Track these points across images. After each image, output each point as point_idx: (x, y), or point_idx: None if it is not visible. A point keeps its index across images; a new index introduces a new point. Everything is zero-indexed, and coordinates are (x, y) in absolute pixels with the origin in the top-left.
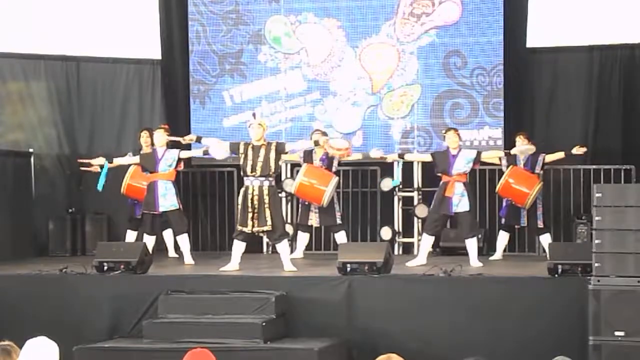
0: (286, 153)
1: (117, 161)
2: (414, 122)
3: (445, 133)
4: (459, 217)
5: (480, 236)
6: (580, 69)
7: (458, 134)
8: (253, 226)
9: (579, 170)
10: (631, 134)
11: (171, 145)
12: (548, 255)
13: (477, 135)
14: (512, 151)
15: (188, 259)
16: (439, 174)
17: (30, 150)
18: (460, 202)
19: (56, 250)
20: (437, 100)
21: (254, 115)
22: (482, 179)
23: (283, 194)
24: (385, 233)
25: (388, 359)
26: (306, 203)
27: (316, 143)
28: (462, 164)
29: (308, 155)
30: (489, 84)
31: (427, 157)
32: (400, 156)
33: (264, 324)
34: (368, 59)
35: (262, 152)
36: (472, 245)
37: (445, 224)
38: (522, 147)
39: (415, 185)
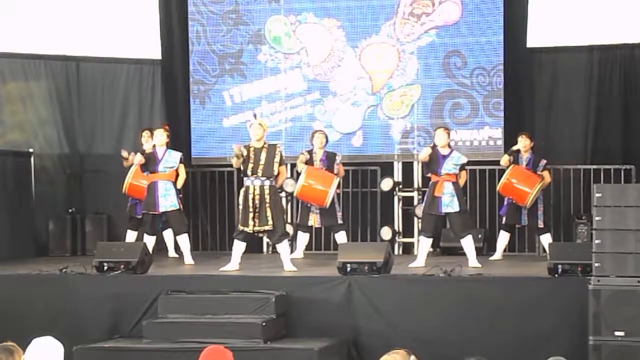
0: (285, 164)
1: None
2: (414, 122)
3: (434, 131)
4: (450, 217)
5: (480, 236)
6: (580, 69)
7: (448, 132)
8: (254, 226)
9: (579, 170)
10: (631, 134)
11: (171, 146)
12: (548, 255)
13: (477, 135)
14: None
15: (188, 259)
16: (428, 175)
17: (30, 150)
18: (450, 202)
19: (56, 250)
20: (437, 100)
21: (254, 115)
22: (482, 179)
23: (283, 194)
24: (385, 233)
25: (396, 354)
26: (307, 204)
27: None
28: (451, 165)
29: (309, 157)
30: (489, 84)
31: (429, 150)
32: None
33: (264, 324)
34: (368, 59)
35: (264, 154)
36: (468, 245)
37: (441, 224)
38: None
39: (415, 185)
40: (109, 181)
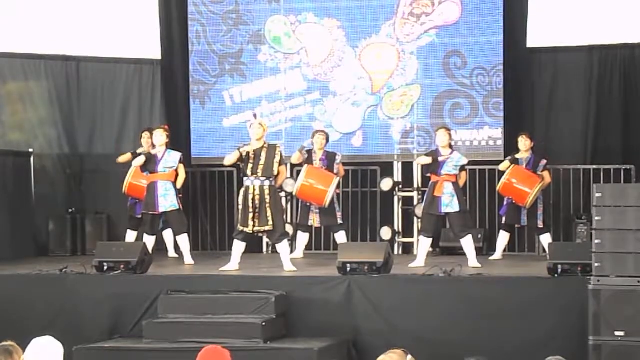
0: (285, 164)
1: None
2: (414, 122)
3: (436, 131)
4: (450, 217)
5: (480, 236)
6: (580, 69)
7: (449, 133)
8: (254, 226)
9: (579, 170)
10: (631, 134)
11: (171, 146)
12: (548, 255)
13: (477, 135)
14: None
15: (188, 259)
16: (428, 175)
17: (30, 150)
18: (450, 202)
19: (56, 250)
20: (437, 100)
21: (254, 115)
22: (482, 179)
23: (283, 194)
24: (385, 233)
25: (393, 354)
26: (307, 204)
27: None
28: (451, 166)
29: (308, 156)
30: (489, 84)
31: (429, 160)
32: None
33: (264, 324)
34: (368, 59)
35: (263, 154)
36: (468, 244)
37: (441, 224)
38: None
39: (415, 185)
40: (109, 181)
